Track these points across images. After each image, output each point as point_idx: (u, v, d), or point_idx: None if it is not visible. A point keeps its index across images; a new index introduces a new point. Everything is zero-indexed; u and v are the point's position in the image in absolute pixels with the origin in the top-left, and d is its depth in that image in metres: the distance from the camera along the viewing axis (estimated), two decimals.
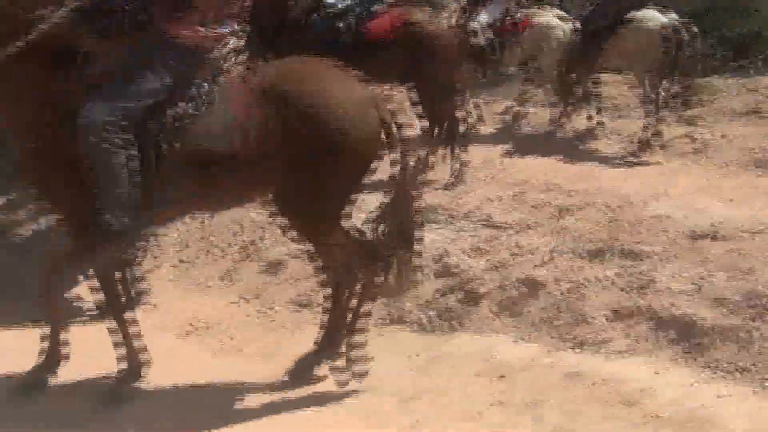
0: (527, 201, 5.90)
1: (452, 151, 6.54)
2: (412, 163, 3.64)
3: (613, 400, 3.60)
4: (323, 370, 3.75)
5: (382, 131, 3.49)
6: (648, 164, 7.45)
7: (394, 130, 3.50)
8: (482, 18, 7.87)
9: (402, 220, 3.62)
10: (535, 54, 8.50)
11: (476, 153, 7.11)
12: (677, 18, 7.75)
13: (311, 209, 3.49)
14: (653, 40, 7.59)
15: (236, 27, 3.59)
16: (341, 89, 3.49)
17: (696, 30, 7.62)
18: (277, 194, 3.55)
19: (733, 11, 10.85)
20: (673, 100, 7.91)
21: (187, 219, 5.20)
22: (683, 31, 7.56)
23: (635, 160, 7.56)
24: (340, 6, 6.31)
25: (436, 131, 6.52)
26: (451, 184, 6.37)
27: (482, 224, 5.31)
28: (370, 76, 6.32)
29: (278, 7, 6.28)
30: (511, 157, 7.44)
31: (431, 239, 4.91)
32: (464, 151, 6.59)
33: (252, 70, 3.50)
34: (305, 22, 6.25)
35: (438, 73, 6.26)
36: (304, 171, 3.37)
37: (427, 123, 6.57)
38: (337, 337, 3.68)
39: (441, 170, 6.63)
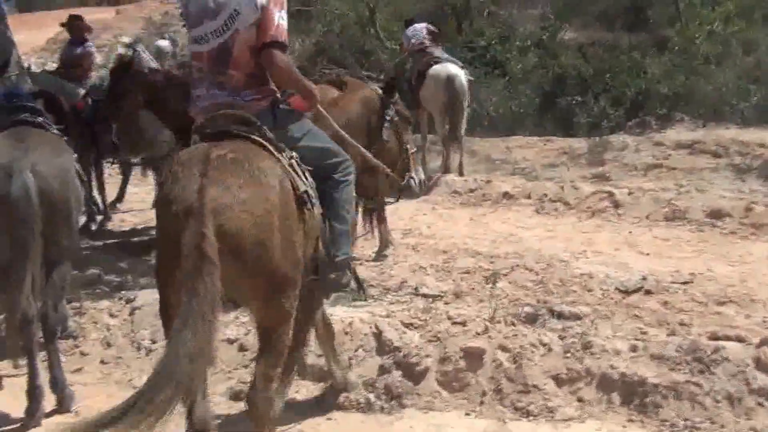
0: (455, 269, 5.84)
1: (376, 224, 6.42)
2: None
3: None
4: None
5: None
6: (565, 222, 7.54)
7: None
8: None
9: None
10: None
11: (397, 223, 7.04)
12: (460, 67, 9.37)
13: None
14: (441, 85, 8.98)
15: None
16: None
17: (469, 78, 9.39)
18: None
19: (626, 72, 11.39)
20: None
21: (114, 312, 4.89)
22: (463, 78, 9.09)
23: (553, 220, 7.64)
24: None
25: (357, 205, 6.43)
26: (379, 256, 6.25)
27: (415, 296, 5.17)
28: None
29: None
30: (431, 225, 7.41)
31: (364, 316, 4.75)
32: (386, 223, 6.48)
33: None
34: None
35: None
36: None
37: None
38: None
39: (364, 245, 6.51)
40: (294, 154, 3.18)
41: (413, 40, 9.86)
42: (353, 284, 3.80)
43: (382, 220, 6.42)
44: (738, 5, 12.86)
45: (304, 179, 3.13)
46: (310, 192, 3.14)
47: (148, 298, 4.99)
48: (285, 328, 2.96)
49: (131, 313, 4.83)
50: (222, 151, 2.80)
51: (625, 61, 11.83)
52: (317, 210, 3.21)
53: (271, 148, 3.02)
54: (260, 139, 3.00)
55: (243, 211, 2.68)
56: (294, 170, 3.07)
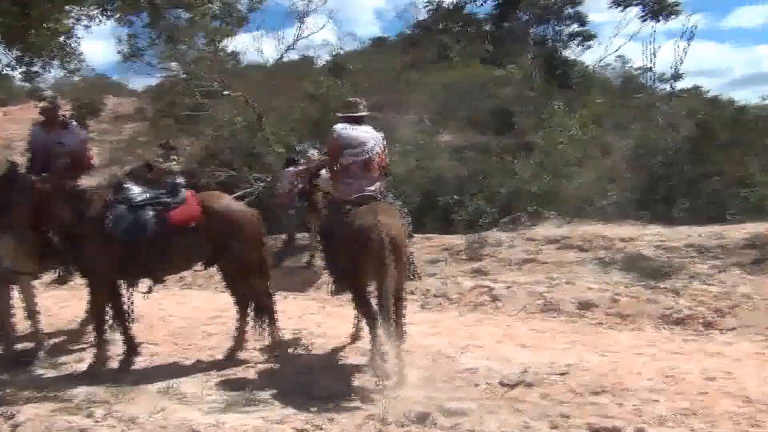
0: (345, 368, 5.70)
1: (266, 325, 6.23)
2: None
3: None
4: None
5: None
6: (448, 317, 7.57)
7: None
8: None
9: None
10: None
11: (286, 323, 6.87)
12: None
13: None
14: None
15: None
16: None
17: None
18: None
19: (498, 173, 11.84)
20: None
21: None
22: None
23: (437, 315, 7.66)
24: (144, 196, 5.98)
25: (247, 308, 6.26)
26: (270, 358, 6.03)
27: (307, 399, 4.97)
28: (178, 259, 6.08)
29: (77, 202, 5.87)
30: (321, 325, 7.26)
31: (257, 422, 4.51)
32: (277, 324, 6.30)
33: None
34: (110, 214, 5.79)
35: (245, 252, 6.05)
36: None
37: (238, 301, 6.30)
38: None
39: (254, 346, 6.30)
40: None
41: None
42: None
43: (273, 321, 6.24)
44: (592, 113, 13.77)
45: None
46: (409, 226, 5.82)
47: (31, 413, 4.60)
48: (404, 288, 5.47)
49: (12, 431, 4.39)
50: (379, 206, 5.51)
51: (497, 163, 12.32)
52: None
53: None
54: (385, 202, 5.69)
55: (394, 227, 5.34)
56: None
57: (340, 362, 5.91)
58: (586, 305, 7.49)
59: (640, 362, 5.87)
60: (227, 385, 5.39)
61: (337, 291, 5.91)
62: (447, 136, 16.93)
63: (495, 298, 7.81)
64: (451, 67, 23.49)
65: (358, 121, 6.00)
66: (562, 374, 5.41)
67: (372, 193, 5.67)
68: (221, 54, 16.42)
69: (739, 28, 56.73)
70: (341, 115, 6.14)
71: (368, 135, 5.86)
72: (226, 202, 6.35)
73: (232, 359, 6.12)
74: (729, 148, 12.54)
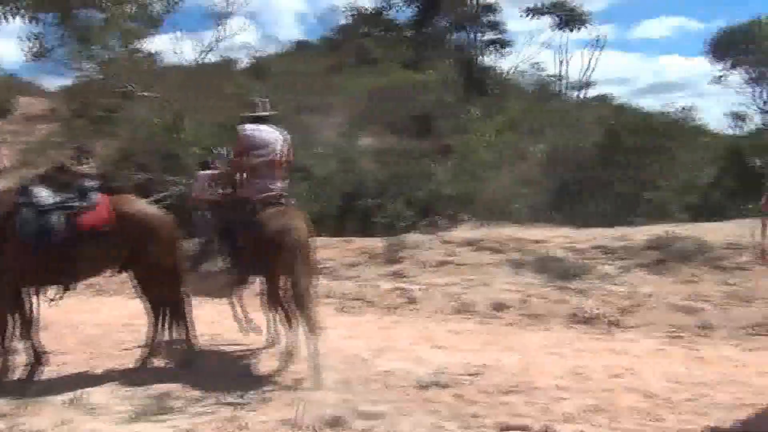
0: (259, 373, 5.64)
1: (180, 331, 6.08)
2: None
3: None
4: None
5: None
6: (366, 320, 7.57)
7: None
8: None
9: None
10: None
11: (200, 328, 6.72)
12: None
13: None
14: None
15: None
16: None
17: None
18: None
19: (417, 176, 11.94)
20: None
21: None
22: None
23: (354, 318, 7.65)
24: (52, 200, 5.71)
25: (161, 314, 6.09)
26: (184, 364, 5.89)
27: (219, 405, 4.87)
28: (89, 265, 5.86)
29: None
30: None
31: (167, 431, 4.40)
32: (191, 330, 6.15)
33: None
34: (14, 219, 5.50)
35: (158, 257, 5.88)
36: None
37: (151, 307, 6.12)
38: None
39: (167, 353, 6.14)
40: None
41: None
42: None
43: (187, 327, 6.10)
44: (508, 119, 14.07)
45: None
46: None
47: None
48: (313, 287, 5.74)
49: None
50: (289, 209, 5.89)
51: (416, 166, 12.43)
52: None
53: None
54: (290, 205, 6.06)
55: (302, 230, 5.62)
56: None
57: (254, 367, 5.83)
58: (499, 306, 7.63)
59: (549, 361, 6.00)
60: (138, 393, 5.20)
61: (237, 283, 6.54)
62: (367, 140, 16.96)
63: (412, 300, 7.87)
64: (372, 72, 23.56)
65: (263, 121, 6.20)
66: (475, 375, 5.49)
67: (277, 193, 5.96)
68: (138, 55, 15.99)
69: (646, 39, 59.00)
70: (245, 115, 6.29)
71: (273, 136, 6.09)
72: (139, 205, 6.15)
73: (144, 367, 5.93)
74: (635, 153, 13.00)
